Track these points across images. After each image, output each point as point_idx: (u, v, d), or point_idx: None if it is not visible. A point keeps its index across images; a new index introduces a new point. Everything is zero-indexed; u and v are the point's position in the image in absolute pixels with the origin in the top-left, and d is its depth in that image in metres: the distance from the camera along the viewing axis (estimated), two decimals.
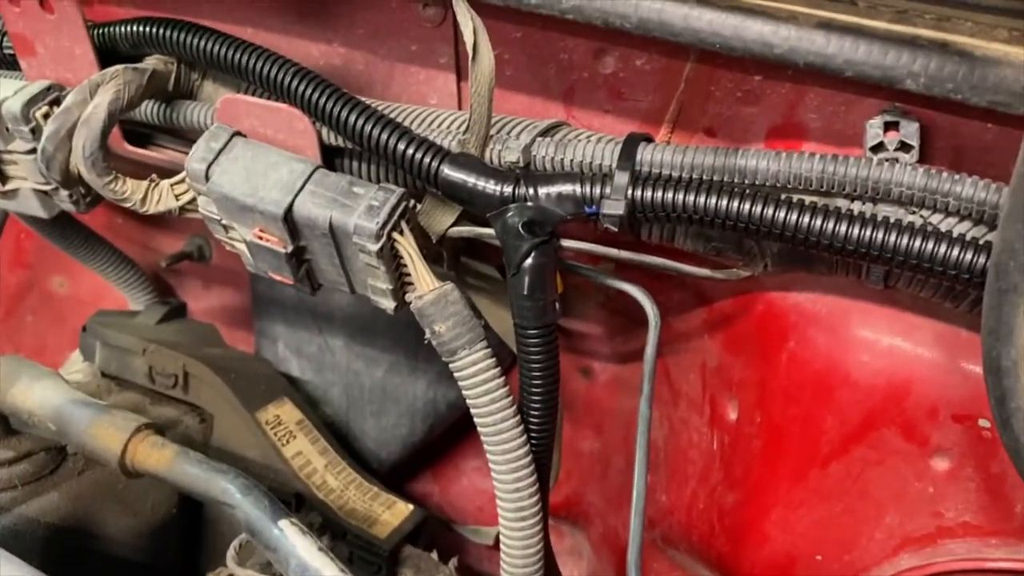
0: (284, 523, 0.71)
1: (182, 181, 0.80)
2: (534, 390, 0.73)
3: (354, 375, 1.16)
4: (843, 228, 0.62)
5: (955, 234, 0.61)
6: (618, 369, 1.08)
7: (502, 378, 0.72)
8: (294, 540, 0.69)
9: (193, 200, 0.79)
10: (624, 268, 0.86)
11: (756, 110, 0.74)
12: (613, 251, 0.74)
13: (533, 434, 0.75)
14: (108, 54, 0.85)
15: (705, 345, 0.86)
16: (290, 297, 1.15)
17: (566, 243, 0.73)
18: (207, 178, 0.74)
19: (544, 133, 0.75)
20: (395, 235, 0.71)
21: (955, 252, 0.60)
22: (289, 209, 0.72)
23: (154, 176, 0.81)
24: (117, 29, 0.83)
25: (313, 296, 0.82)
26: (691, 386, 0.89)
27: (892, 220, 0.62)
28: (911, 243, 0.60)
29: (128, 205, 0.80)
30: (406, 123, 0.78)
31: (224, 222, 0.77)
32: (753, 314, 0.78)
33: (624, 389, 1.07)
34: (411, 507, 1.02)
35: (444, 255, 0.91)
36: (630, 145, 0.70)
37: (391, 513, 1.02)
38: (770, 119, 0.74)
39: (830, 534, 0.75)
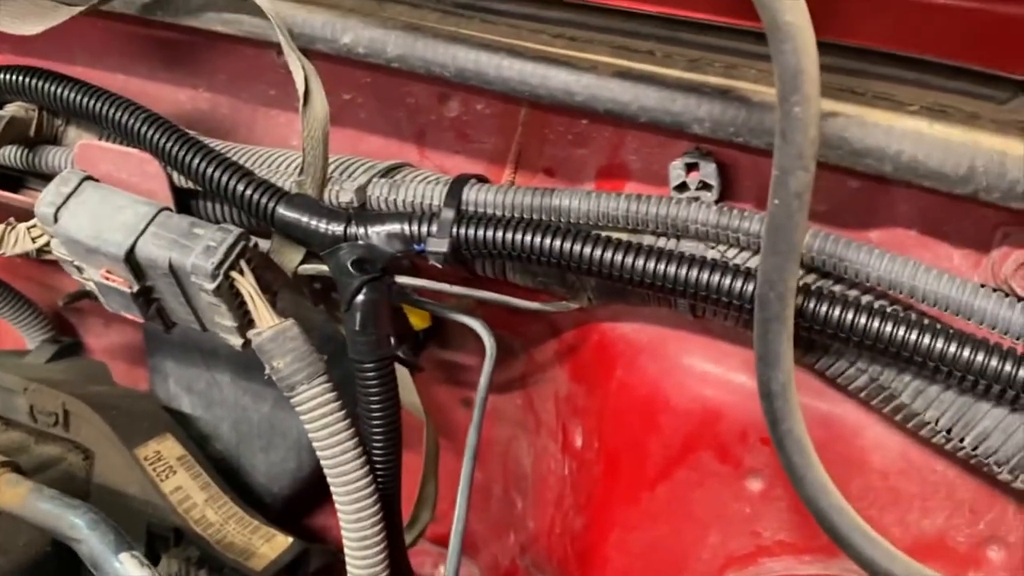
0: (124, 556, 0.72)
1: (37, 224, 0.82)
2: (374, 422, 0.76)
3: (242, 410, 1.17)
4: (642, 263, 0.66)
5: (743, 267, 0.65)
6: (496, 399, 1.11)
7: (342, 412, 0.75)
8: (131, 572, 0.71)
9: (48, 243, 0.82)
10: (484, 304, 0.90)
11: (586, 151, 0.78)
12: (446, 287, 0.77)
13: (378, 465, 0.77)
14: None
15: (557, 375, 0.89)
16: (178, 334, 1.16)
17: (401, 279, 0.76)
18: (55, 220, 0.77)
19: (384, 174, 0.79)
20: (233, 274, 0.74)
21: (739, 284, 0.64)
22: (131, 250, 0.74)
23: (11, 219, 0.83)
24: None
25: (168, 334, 0.84)
26: (548, 414, 0.92)
27: (687, 254, 0.66)
28: (701, 276, 0.64)
29: None
30: (256, 165, 0.81)
31: (76, 263, 0.79)
32: (590, 344, 0.81)
33: (502, 419, 1.10)
34: (290, 539, 1.03)
35: (307, 292, 0.94)
36: (456, 186, 0.73)
37: (270, 546, 1.03)
38: (598, 160, 0.78)
39: (662, 555, 0.78)
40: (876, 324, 0.61)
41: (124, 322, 1.35)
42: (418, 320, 1.01)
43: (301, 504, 1.28)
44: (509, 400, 1.03)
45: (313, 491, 1.26)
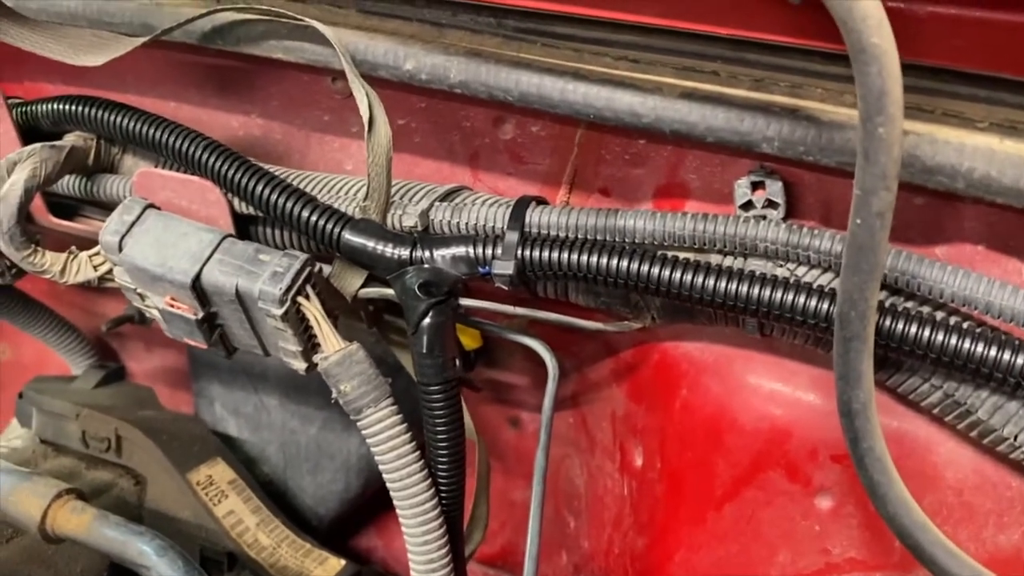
0: None
1: (99, 252, 0.82)
2: (440, 444, 0.76)
3: (290, 433, 1.18)
4: (711, 282, 0.66)
5: (815, 285, 0.65)
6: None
7: (408, 434, 0.75)
8: None
9: (111, 271, 0.82)
10: (537, 323, 0.90)
11: (643, 171, 0.79)
12: (509, 308, 0.77)
13: (443, 487, 0.78)
14: (30, 131, 0.89)
15: (614, 394, 0.89)
16: (225, 358, 1.17)
17: (465, 302, 0.77)
18: (120, 249, 0.78)
19: (444, 198, 0.79)
20: (300, 299, 0.74)
21: (813, 302, 0.64)
22: (197, 278, 0.75)
23: (73, 248, 0.84)
24: (37, 107, 0.87)
25: (229, 359, 0.84)
26: (604, 434, 0.92)
27: (757, 273, 0.66)
28: (773, 295, 0.64)
29: (48, 277, 0.83)
30: (315, 191, 0.82)
31: (139, 291, 0.80)
32: (650, 363, 0.81)
33: (553, 438, 1.09)
34: (343, 562, 1.03)
35: (363, 314, 0.94)
36: (520, 208, 0.74)
37: (323, 568, 1.03)
38: (656, 180, 0.78)
39: (729, 574, 0.78)
40: (955, 341, 0.61)
41: (166, 347, 1.36)
42: (469, 340, 1.01)
43: (347, 526, 1.28)
44: (561, 419, 1.03)
45: (359, 513, 1.26)
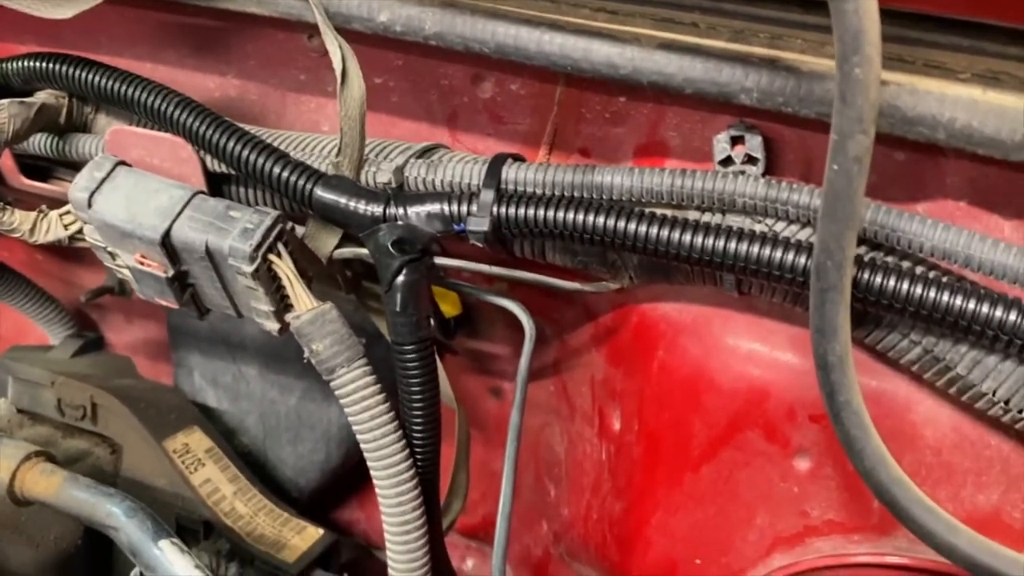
0: (164, 543, 0.72)
1: (69, 211, 0.81)
2: (414, 405, 0.75)
3: (269, 403, 1.17)
4: (688, 237, 0.65)
5: (794, 240, 0.64)
6: (528, 386, 1.10)
7: (382, 395, 0.74)
8: (172, 559, 0.70)
9: (81, 230, 0.81)
10: (517, 287, 0.89)
11: (623, 130, 0.78)
12: (484, 267, 0.76)
13: (418, 450, 0.77)
14: (1, 90, 0.87)
15: (593, 359, 0.88)
16: (204, 327, 1.16)
17: (440, 261, 0.76)
18: (90, 206, 0.76)
19: (420, 155, 0.78)
20: (271, 256, 0.73)
21: (790, 256, 0.63)
22: (167, 234, 0.73)
23: (43, 207, 0.83)
24: (7, 65, 0.85)
25: (202, 320, 0.83)
26: (583, 399, 0.91)
27: (734, 228, 0.65)
28: (750, 249, 0.63)
29: (18, 236, 0.82)
30: (288, 148, 0.81)
31: (109, 249, 0.79)
32: (629, 326, 0.80)
33: (533, 406, 1.08)
34: (321, 531, 1.02)
35: (340, 280, 0.93)
36: (496, 165, 0.73)
37: (301, 538, 1.02)
38: (636, 138, 0.77)
39: (707, 536, 0.77)
40: (933, 294, 0.60)
41: (146, 318, 1.35)
42: (449, 307, 1.00)
43: (328, 497, 1.27)
44: (541, 387, 1.02)
45: (340, 484, 1.25)
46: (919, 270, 0.63)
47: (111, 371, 1.15)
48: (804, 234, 0.66)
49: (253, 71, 0.90)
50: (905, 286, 0.60)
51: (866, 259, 0.63)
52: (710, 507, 0.76)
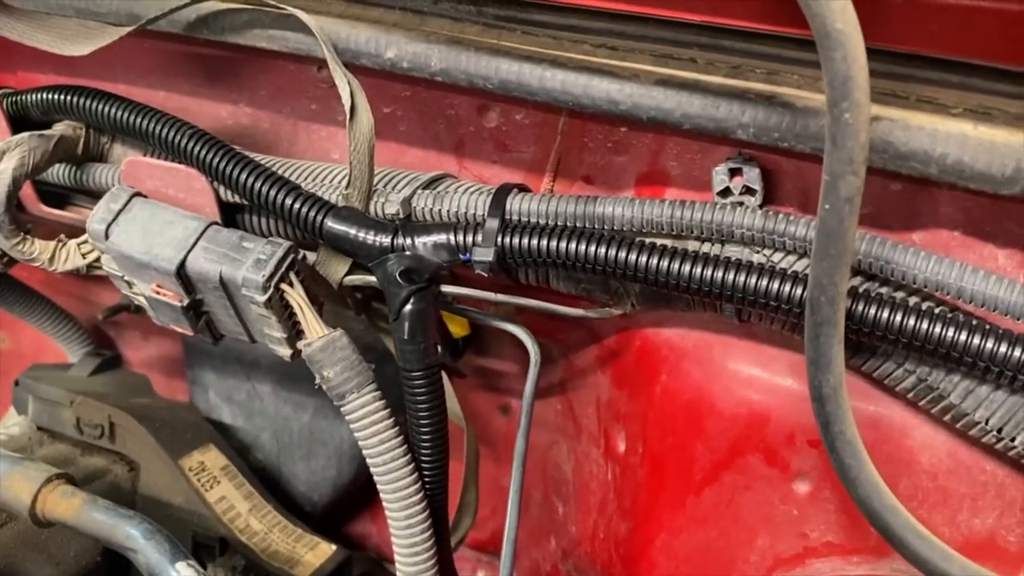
0: (181, 565, 0.74)
1: (87, 240, 0.83)
2: (423, 430, 0.77)
3: (283, 420, 1.19)
4: (687, 268, 0.66)
5: (790, 271, 0.66)
6: (536, 405, 1.11)
7: (391, 419, 0.76)
8: None
9: (99, 258, 0.83)
10: (523, 310, 0.91)
11: (625, 159, 0.79)
12: (491, 295, 0.78)
13: (426, 471, 0.78)
14: (20, 121, 0.89)
15: (598, 380, 0.90)
16: (219, 346, 1.18)
17: (448, 289, 0.77)
18: (107, 237, 0.78)
19: (427, 186, 0.80)
20: (283, 286, 0.75)
21: (787, 288, 0.64)
22: (182, 265, 0.76)
23: (62, 236, 0.85)
24: (27, 97, 0.88)
25: (216, 346, 0.85)
26: (589, 420, 0.93)
27: (733, 259, 0.66)
28: (748, 280, 0.65)
29: (37, 264, 0.84)
30: (300, 179, 0.83)
31: (126, 278, 0.81)
32: (632, 349, 0.82)
33: (540, 425, 1.10)
34: (334, 547, 1.04)
35: (350, 302, 0.95)
36: (500, 195, 0.74)
37: (314, 554, 1.04)
38: (638, 167, 0.79)
39: (709, 558, 0.78)
40: (926, 326, 0.61)
41: (162, 335, 1.37)
42: (457, 328, 1.02)
43: (340, 512, 1.29)
44: (548, 406, 1.04)
45: (352, 499, 1.27)
46: (912, 301, 0.64)
47: (128, 390, 1.17)
48: (801, 265, 0.68)
49: (265, 100, 0.92)
50: (899, 318, 0.62)
51: (860, 290, 0.65)
52: (712, 529, 0.77)
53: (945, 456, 0.70)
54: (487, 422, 1.15)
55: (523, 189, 0.77)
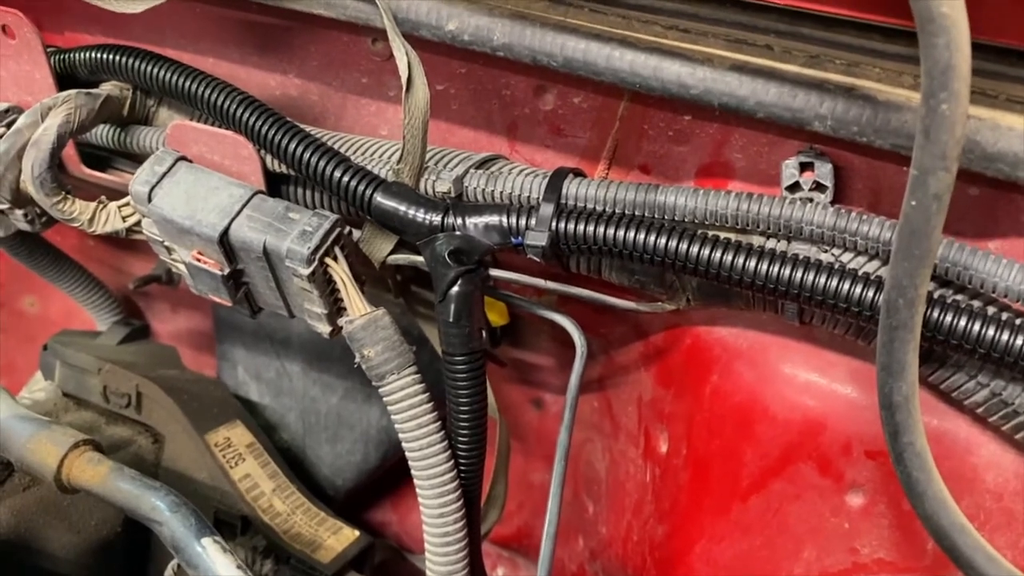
0: (207, 541, 0.72)
1: (128, 203, 0.82)
2: (462, 416, 0.75)
3: (311, 401, 1.17)
4: (752, 264, 0.64)
5: (861, 272, 0.63)
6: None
7: (430, 403, 0.73)
8: (214, 557, 0.70)
9: (139, 222, 0.81)
10: (567, 301, 0.88)
11: (687, 149, 0.76)
12: (540, 281, 0.75)
13: (461, 460, 0.76)
14: (67, 79, 0.88)
15: (641, 378, 0.87)
16: (249, 322, 1.16)
17: (495, 273, 0.75)
18: (149, 200, 0.77)
19: (479, 166, 0.77)
20: (327, 260, 0.73)
21: (858, 289, 0.61)
22: (225, 232, 0.73)
23: (103, 198, 0.83)
24: (76, 55, 0.86)
25: (254, 319, 0.83)
26: (629, 418, 0.90)
27: (801, 257, 0.63)
28: (816, 280, 0.62)
29: (76, 225, 0.82)
30: (350, 152, 0.81)
31: (166, 243, 0.79)
32: (682, 347, 0.79)
33: (576, 421, 1.08)
34: (357, 533, 1.02)
35: (390, 283, 0.93)
36: (557, 179, 0.72)
37: (336, 538, 1.02)
38: (699, 158, 0.76)
39: (751, 568, 0.75)
40: (1006, 337, 0.58)
41: (191, 308, 1.36)
42: (496, 316, 0.99)
43: (362, 498, 1.27)
44: (584, 402, 1.01)
45: (375, 485, 1.25)
46: (991, 310, 0.61)
47: (156, 361, 1.15)
48: (871, 267, 0.65)
49: (315, 72, 0.90)
50: (976, 327, 0.59)
51: (936, 296, 0.62)
52: (757, 538, 0.74)
53: (1012, 476, 0.67)
54: (519, 416, 1.12)
55: (579, 174, 0.75)
